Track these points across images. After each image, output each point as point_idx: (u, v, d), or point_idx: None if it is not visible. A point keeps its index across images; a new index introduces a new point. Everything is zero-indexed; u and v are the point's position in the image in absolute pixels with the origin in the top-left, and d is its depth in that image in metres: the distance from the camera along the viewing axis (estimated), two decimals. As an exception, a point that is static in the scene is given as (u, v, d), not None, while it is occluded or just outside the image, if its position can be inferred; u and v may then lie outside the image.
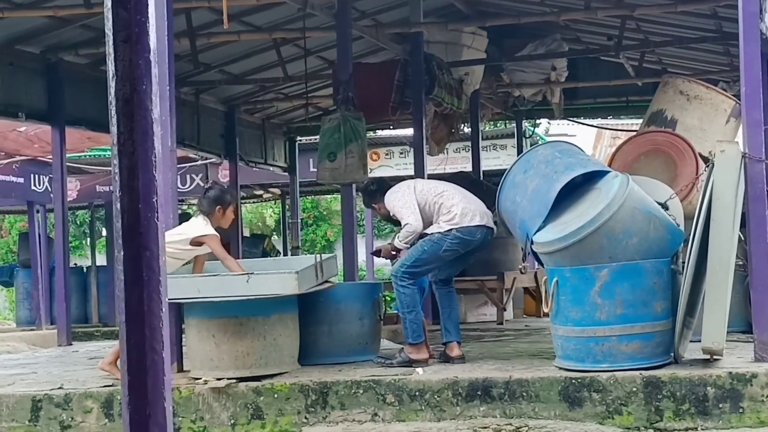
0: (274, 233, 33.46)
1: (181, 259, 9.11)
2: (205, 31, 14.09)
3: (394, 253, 9.69)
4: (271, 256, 21.42)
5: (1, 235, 37.71)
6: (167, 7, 8.92)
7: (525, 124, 21.76)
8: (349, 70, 12.51)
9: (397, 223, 9.78)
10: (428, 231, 9.27)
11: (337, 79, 12.85)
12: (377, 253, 10.22)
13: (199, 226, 9.12)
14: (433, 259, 9.26)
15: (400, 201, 9.40)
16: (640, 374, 7.85)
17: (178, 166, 22.76)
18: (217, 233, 9.15)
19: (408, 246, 9.34)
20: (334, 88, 13.09)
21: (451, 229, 9.19)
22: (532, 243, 8.43)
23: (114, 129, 3.25)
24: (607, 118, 22.91)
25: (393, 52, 15.30)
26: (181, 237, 8.97)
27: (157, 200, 3.28)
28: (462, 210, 9.25)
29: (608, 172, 8.54)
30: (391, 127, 21.64)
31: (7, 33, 13.47)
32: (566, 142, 9.61)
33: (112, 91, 3.24)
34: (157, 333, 3.24)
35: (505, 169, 9.24)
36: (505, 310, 14.37)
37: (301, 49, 15.01)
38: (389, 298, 26.35)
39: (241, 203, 24.65)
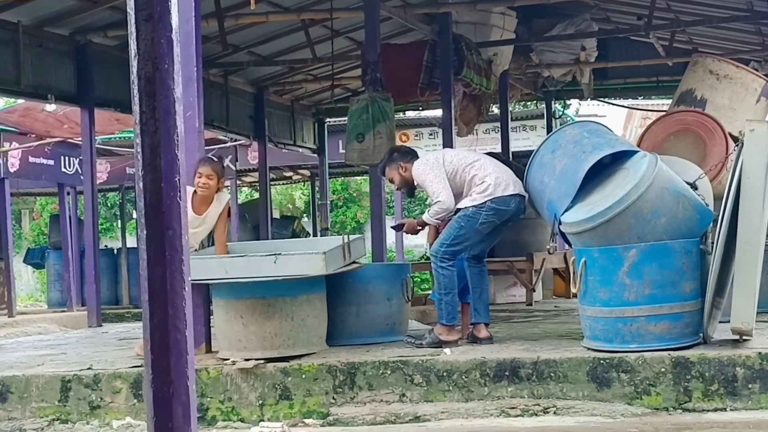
0: (304, 215, 33.50)
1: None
2: (234, 12, 14.09)
3: (419, 228, 9.49)
4: (300, 238, 21.46)
5: (33, 217, 37.89)
6: (194, -11, 8.95)
7: (554, 104, 21.67)
8: (377, 50, 12.48)
9: (410, 192, 9.66)
10: (461, 205, 9.07)
11: (366, 60, 12.83)
12: (399, 227, 9.86)
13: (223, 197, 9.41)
14: (471, 234, 9.06)
15: (431, 174, 9.13)
16: (669, 355, 7.81)
17: (208, 147, 22.84)
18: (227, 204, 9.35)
19: (439, 222, 9.22)
20: (363, 69, 13.06)
21: (485, 202, 8.98)
22: (560, 223, 8.40)
23: (136, 108, 3.26)
24: (637, 99, 22.81)
25: (422, 33, 15.26)
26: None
27: (179, 179, 3.28)
28: (495, 180, 9.03)
29: (637, 152, 8.49)
30: (420, 108, 21.62)
31: (36, 15, 13.50)
32: (594, 122, 9.57)
33: (134, 70, 3.24)
34: (180, 312, 3.25)
35: (534, 150, 9.20)
36: (534, 290, 14.33)
37: (330, 30, 14.99)
38: (420, 279, 26.39)
39: (271, 185, 24.69)
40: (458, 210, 9.10)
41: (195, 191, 9.12)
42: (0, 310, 19.96)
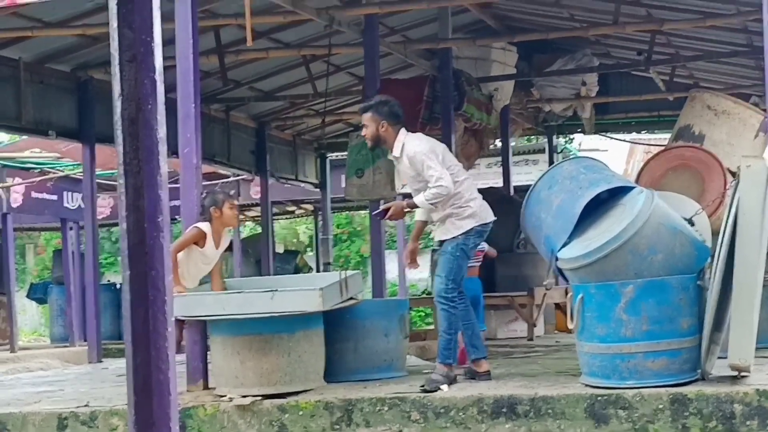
0: (308, 249, 33.50)
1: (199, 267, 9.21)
2: (234, 48, 14.13)
3: (407, 211, 9.13)
4: (303, 273, 21.47)
5: (38, 252, 37.92)
6: (192, 27, 9.02)
7: (556, 139, 21.68)
8: (377, 85, 12.52)
9: (375, 147, 9.07)
10: (445, 236, 8.79)
11: (365, 95, 12.86)
12: (383, 213, 9.17)
13: (198, 223, 9.21)
14: (465, 262, 8.97)
15: (432, 156, 8.67)
16: (667, 391, 7.78)
17: (211, 183, 22.91)
18: (199, 227, 9.15)
19: (432, 207, 8.75)
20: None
21: (473, 227, 8.81)
22: (557, 259, 8.39)
23: (120, 148, 3.27)
24: (639, 133, 22.80)
25: (422, 68, 15.31)
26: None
27: (163, 220, 3.28)
28: (481, 205, 8.91)
29: (633, 187, 8.49)
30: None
31: (38, 51, 13.58)
32: (591, 158, 9.57)
33: (117, 110, 3.25)
34: (162, 353, 3.25)
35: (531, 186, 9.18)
36: (535, 326, 14.30)
37: (331, 65, 15.03)
38: (423, 314, 26.32)
39: (273, 219, 24.71)
40: (443, 241, 8.89)
41: (212, 225, 9.16)
42: (2, 346, 19.96)
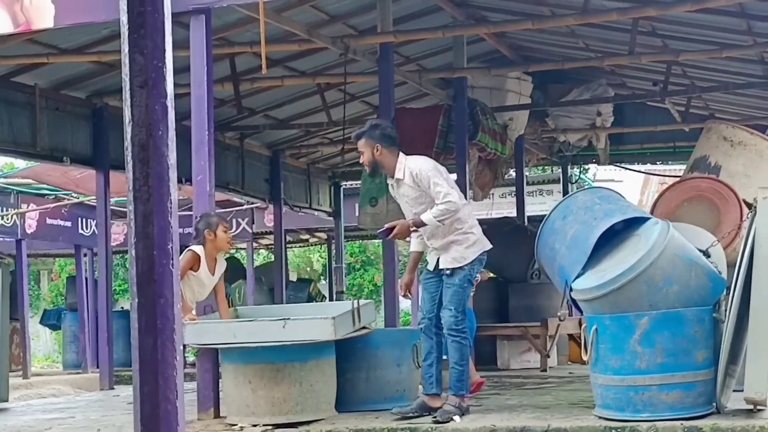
0: (322, 278, 33.47)
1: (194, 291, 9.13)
2: (249, 76, 14.12)
3: (413, 230, 8.66)
4: (316, 301, 21.40)
5: (52, 278, 37.96)
6: (207, 54, 9.03)
7: (570, 169, 21.63)
8: (391, 114, 12.49)
9: (374, 172, 8.87)
10: (450, 265, 8.59)
11: (379, 124, 12.83)
12: (387, 233, 8.76)
13: (192, 247, 9.12)
14: (470, 290, 8.94)
15: (437, 174, 8.50)
16: (681, 424, 7.70)
17: (225, 210, 22.91)
18: (193, 250, 9.07)
19: (440, 224, 8.48)
20: (377, 134, 13.05)
21: (476, 258, 8.69)
22: (571, 290, 8.33)
23: (130, 175, 3.24)
24: (655, 164, 22.73)
25: (437, 97, 15.29)
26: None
27: (172, 247, 3.25)
28: (480, 233, 8.79)
29: (648, 218, 8.44)
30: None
31: (53, 78, 13.61)
32: (606, 188, 9.52)
33: (128, 136, 3.23)
34: (170, 382, 3.20)
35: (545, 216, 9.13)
36: (548, 356, 14.22)
37: (346, 94, 15.02)
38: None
39: (287, 247, 24.69)
40: (443, 270, 8.64)
41: (205, 248, 9.09)
42: (15, 372, 19.93)
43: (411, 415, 8.54)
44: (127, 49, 3.24)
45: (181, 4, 9.08)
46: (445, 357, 8.93)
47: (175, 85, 11.26)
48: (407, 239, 9.11)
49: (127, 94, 3.23)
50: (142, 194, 3.23)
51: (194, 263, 9.04)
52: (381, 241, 18.40)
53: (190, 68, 9.09)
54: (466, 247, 8.64)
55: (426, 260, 9.09)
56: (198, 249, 9.06)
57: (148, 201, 3.22)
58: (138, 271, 3.23)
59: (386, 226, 8.80)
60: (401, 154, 8.73)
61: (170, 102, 3.27)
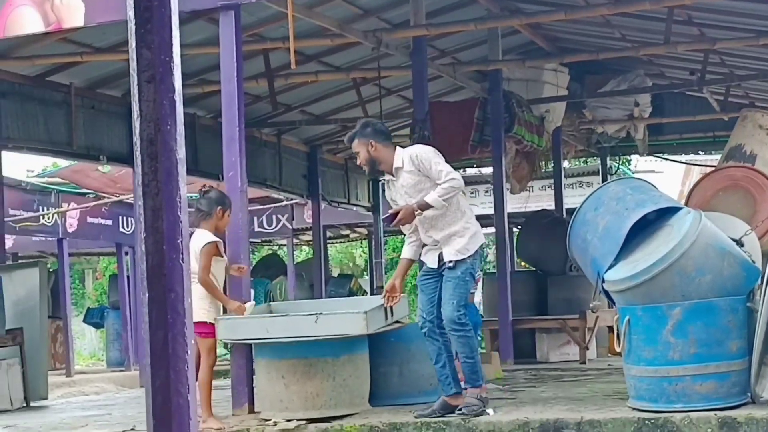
0: (364, 273, 33.48)
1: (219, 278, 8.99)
2: (284, 72, 14.14)
3: (417, 213, 8.24)
4: (357, 296, 21.41)
5: (96, 277, 38.21)
6: (236, 49, 9.04)
7: (609, 160, 21.52)
8: (425, 108, 12.48)
9: (372, 171, 8.57)
10: (454, 257, 8.30)
11: (413, 117, 12.84)
12: (391, 218, 8.41)
13: (204, 235, 8.83)
14: (472, 284, 8.71)
15: (441, 158, 8.32)
16: (715, 415, 7.64)
17: (264, 207, 22.97)
18: (214, 242, 8.82)
19: (446, 204, 8.20)
20: (411, 128, 13.07)
21: (477, 250, 8.45)
22: (603, 281, 8.28)
23: (138, 169, 3.25)
24: (697, 154, 22.59)
25: (472, 91, 15.26)
26: (196, 255, 8.70)
27: (182, 242, 3.25)
28: (478, 226, 8.57)
29: (681, 208, 8.37)
30: (474, 165, 21.60)
31: (89, 77, 13.68)
32: (638, 178, 9.46)
33: (136, 131, 3.24)
34: (182, 376, 3.21)
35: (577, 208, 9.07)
36: (587, 349, 14.15)
37: (381, 88, 15.01)
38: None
39: (328, 243, 24.72)
40: (446, 263, 8.36)
41: (208, 224, 8.95)
42: (59, 370, 20.09)
43: (435, 416, 8.40)
44: (134, 45, 3.25)
45: (210, 1, 9.12)
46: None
47: (208, 82, 11.46)
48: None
49: (135, 89, 3.24)
50: (151, 189, 3.24)
51: (216, 252, 8.89)
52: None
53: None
54: (468, 238, 8.39)
55: (420, 261, 8.73)
56: (210, 236, 8.80)
57: (157, 196, 3.24)
58: (148, 265, 3.25)
59: (390, 211, 8.53)
60: (398, 148, 8.58)
61: (178, 97, 3.27)
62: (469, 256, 8.38)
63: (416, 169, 8.30)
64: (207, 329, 8.70)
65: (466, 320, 8.40)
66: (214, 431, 8.52)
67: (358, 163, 8.69)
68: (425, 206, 8.18)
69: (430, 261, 8.53)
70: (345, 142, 8.91)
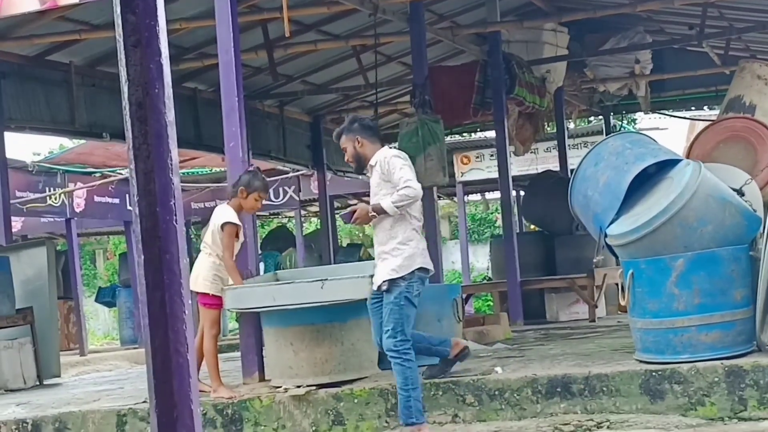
0: (373, 242, 33.49)
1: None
2: (283, 42, 14.13)
3: (372, 215, 7.89)
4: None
5: (107, 256, 38.30)
6: (232, 21, 9.05)
7: (613, 119, 21.50)
8: (425, 73, 12.50)
9: (359, 168, 8.22)
10: (385, 277, 7.78)
11: (413, 82, 12.86)
12: (349, 216, 8.30)
13: (226, 212, 8.91)
14: (412, 309, 7.86)
15: (408, 167, 7.87)
16: (722, 364, 7.69)
17: (270, 179, 22.96)
18: (236, 223, 8.84)
19: (398, 212, 7.75)
20: (411, 93, 13.08)
21: (413, 271, 7.79)
22: (605, 236, 8.32)
23: (129, 134, 3.28)
24: (700, 109, 22.54)
25: (472, 54, 15.25)
26: (214, 228, 8.87)
27: (175, 204, 3.29)
28: (422, 249, 7.92)
29: (680, 160, 8.39)
30: (478, 129, 21.60)
31: (88, 54, 13.69)
32: (637, 132, 9.51)
33: (125, 95, 3.27)
34: (180, 336, 3.25)
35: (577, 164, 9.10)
36: (596, 307, 14.20)
37: (381, 55, 15.00)
38: (482, 300, 26.24)
39: (336, 213, 24.74)
40: (380, 288, 7.87)
41: (232, 204, 9.00)
42: (73, 350, 20.19)
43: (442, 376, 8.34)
44: (118, 10, 3.27)
45: (203, -29, 9.14)
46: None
47: (207, 55, 11.46)
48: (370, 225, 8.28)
49: (121, 54, 3.27)
50: (142, 152, 3.27)
51: (238, 232, 8.94)
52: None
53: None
54: (403, 258, 7.79)
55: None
56: (231, 215, 8.88)
57: (148, 159, 3.27)
58: (142, 228, 3.28)
59: (349, 209, 8.46)
60: (385, 147, 8.32)
61: (165, 60, 3.30)
62: (402, 278, 7.75)
63: (381, 172, 7.95)
64: (211, 300, 8.82)
65: (404, 348, 7.78)
66: (226, 400, 8.60)
67: (345, 159, 8.39)
68: (380, 210, 7.83)
69: (375, 281, 8.00)
70: (333, 138, 8.66)
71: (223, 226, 8.81)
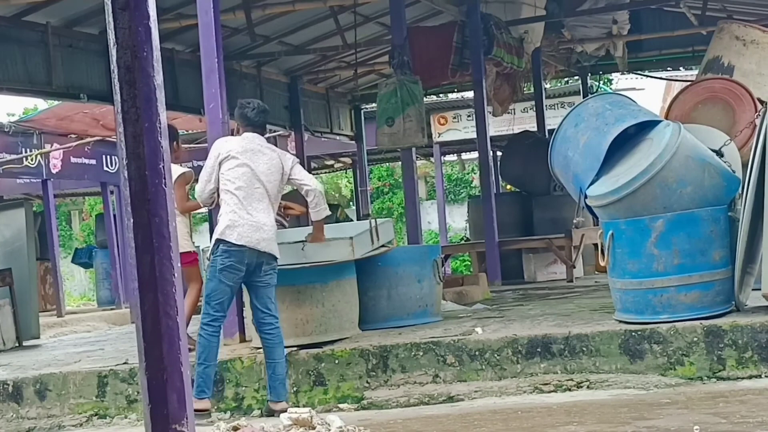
0: (351, 203, 33.53)
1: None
2: (261, 2, 14.07)
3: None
4: (343, 225, 21.45)
5: (83, 218, 38.18)
6: (211, -20, 8.98)
7: (590, 80, 21.50)
8: (404, 34, 12.47)
9: None
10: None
11: (392, 43, 12.83)
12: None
13: (174, 168, 8.96)
14: (220, 283, 7.75)
15: (214, 158, 7.99)
16: (701, 324, 7.76)
17: (247, 140, 22.87)
18: (186, 173, 9.15)
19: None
20: (390, 53, 13.05)
21: (217, 243, 7.77)
22: (585, 197, 8.35)
23: (117, 97, 3.29)
24: (677, 70, 22.58)
25: (450, 15, 15.19)
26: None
27: (164, 167, 3.29)
28: (231, 219, 7.76)
29: (660, 121, 8.42)
30: (456, 90, 21.56)
31: (65, 15, 13.55)
32: (617, 93, 9.52)
33: (113, 59, 3.27)
34: (170, 299, 3.27)
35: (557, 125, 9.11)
36: (574, 267, 14.26)
37: (359, 16, 14.94)
38: (460, 261, 26.30)
39: (312, 174, 24.71)
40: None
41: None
42: (50, 311, 20.14)
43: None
44: (106, -28, 3.27)
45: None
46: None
47: (185, 16, 11.39)
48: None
49: (109, 17, 3.27)
50: (131, 115, 3.28)
51: (191, 181, 9.11)
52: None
53: None
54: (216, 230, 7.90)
55: None
56: (179, 167, 9.17)
57: (137, 122, 3.27)
58: (131, 191, 3.29)
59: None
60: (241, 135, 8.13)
61: (153, 23, 3.30)
62: (210, 248, 7.90)
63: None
64: (189, 258, 8.97)
65: (208, 321, 7.76)
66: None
67: None
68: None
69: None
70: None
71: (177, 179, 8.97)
